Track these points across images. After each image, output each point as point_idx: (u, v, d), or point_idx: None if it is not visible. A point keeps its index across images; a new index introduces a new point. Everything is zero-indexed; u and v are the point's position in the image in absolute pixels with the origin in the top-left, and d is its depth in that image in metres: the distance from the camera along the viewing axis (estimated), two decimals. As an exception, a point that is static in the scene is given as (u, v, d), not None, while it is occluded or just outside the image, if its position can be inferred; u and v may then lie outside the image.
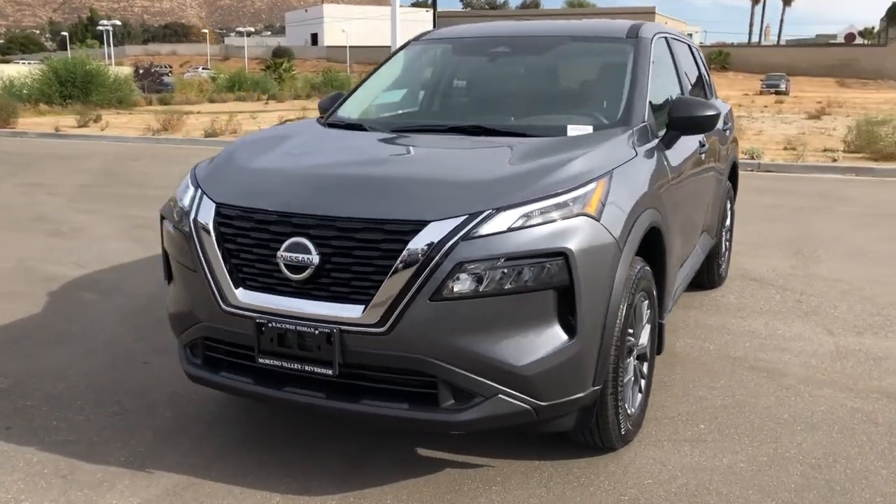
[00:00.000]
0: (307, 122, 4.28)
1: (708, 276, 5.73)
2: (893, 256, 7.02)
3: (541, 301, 2.80)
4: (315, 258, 2.84)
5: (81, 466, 3.26)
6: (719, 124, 4.90)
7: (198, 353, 3.25)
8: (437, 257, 2.72)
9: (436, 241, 2.73)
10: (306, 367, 2.91)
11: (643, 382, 3.55)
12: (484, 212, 2.78)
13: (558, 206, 2.85)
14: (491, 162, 3.21)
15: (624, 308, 3.04)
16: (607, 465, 3.28)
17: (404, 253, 2.74)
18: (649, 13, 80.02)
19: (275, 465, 3.28)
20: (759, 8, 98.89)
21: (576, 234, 2.82)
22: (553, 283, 2.78)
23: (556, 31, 4.65)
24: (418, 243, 2.74)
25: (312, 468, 3.25)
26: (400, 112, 4.35)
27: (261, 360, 2.97)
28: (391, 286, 2.76)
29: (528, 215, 2.79)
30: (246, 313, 2.97)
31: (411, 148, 3.68)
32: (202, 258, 3.07)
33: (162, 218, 3.47)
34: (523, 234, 2.76)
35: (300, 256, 2.85)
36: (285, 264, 2.88)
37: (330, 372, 2.86)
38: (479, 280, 2.73)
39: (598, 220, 2.91)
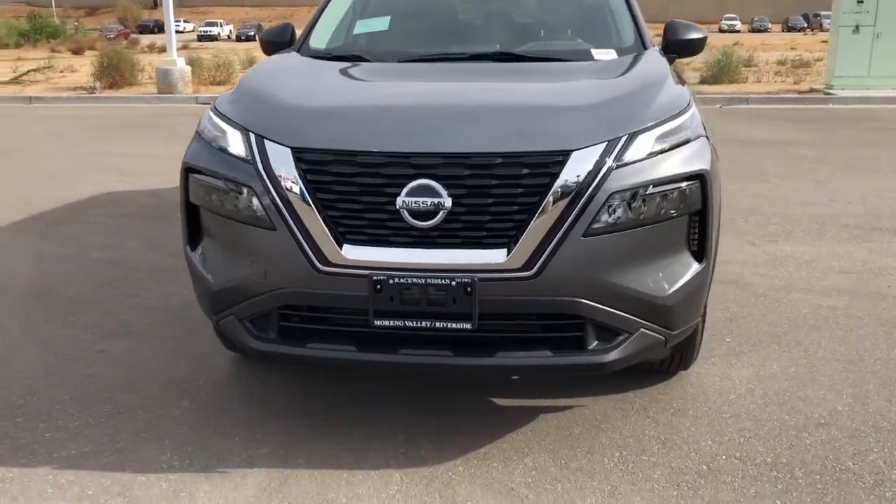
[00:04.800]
0: (290, 56, 3.72)
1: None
2: (730, 173, 7.70)
3: (678, 227, 2.70)
4: (447, 201, 2.50)
5: (134, 480, 2.67)
6: None
7: (268, 326, 2.75)
8: (590, 189, 2.51)
9: (587, 171, 2.52)
10: (437, 324, 2.58)
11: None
12: (621, 137, 2.61)
13: (681, 128, 2.75)
14: (586, 86, 3.02)
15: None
16: (685, 388, 3.30)
17: (555, 187, 2.50)
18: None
19: (362, 438, 2.91)
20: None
21: (703, 156, 2.75)
22: (690, 207, 2.69)
23: None
24: (569, 175, 2.51)
25: (410, 435, 2.93)
26: (395, 41, 3.93)
27: (377, 323, 2.59)
28: (540, 225, 2.51)
29: (661, 139, 2.67)
30: (356, 272, 2.57)
31: (481, 77, 3.34)
32: (285, 214, 2.59)
33: (190, 170, 2.87)
34: (665, 159, 2.64)
35: (428, 201, 2.50)
36: (409, 211, 2.51)
37: (468, 326, 2.56)
38: (628, 210, 2.57)
39: (708, 139, 2.86)
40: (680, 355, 3.22)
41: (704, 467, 2.74)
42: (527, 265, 2.53)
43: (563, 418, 3.06)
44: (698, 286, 2.78)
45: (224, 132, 2.82)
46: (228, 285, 2.80)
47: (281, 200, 2.60)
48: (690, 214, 2.72)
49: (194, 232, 2.96)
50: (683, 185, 2.65)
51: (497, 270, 2.54)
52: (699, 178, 2.69)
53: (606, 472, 2.71)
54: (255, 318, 2.77)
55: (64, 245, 5.46)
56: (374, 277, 2.54)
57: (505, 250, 2.53)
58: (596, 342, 2.66)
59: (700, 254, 2.78)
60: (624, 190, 2.55)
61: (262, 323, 2.77)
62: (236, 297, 2.78)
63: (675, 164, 2.65)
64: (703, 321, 3.19)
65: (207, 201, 2.83)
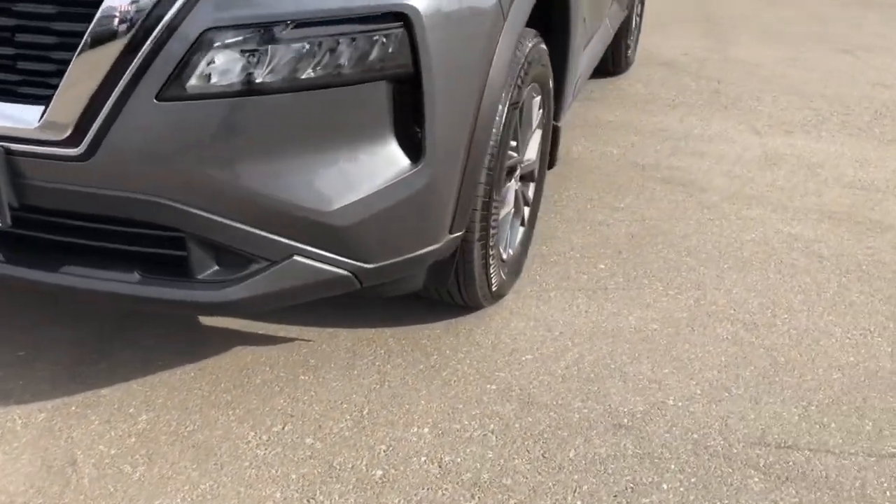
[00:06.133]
0: None
1: (613, 60, 4.62)
2: (808, 38, 6.06)
3: (362, 101, 1.63)
4: (-64, 17, 1.53)
5: None
6: None
7: None
8: (165, 19, 1.47)
9: (159, -13, 1.47)
10: (-48, 214, 1.69)
11: (527, 212, 2.54)
12: None
13: None
14: None
15: (506, 109, 1.94)
16: (471, 334, 2.30)
17: (103, 8, 1.48)
18: None
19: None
20: None
21: (422, -18, 1.61)
22: (386, 69, 1.60)
23: None
24: (127, -9, 1.47)
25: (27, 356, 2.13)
26: None
27: None
28: (84, 73, 1.51)
29: (332, -58, 1.55)
30: None
31: None
32: None
33: None
34: (323, -21, 1.54)
35: None
36: None
37: (-4, 222, 1.66)
38: (248, 63, 1.52)
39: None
40: (448, 289, 2.19)
41: (379, 473, 1.79)
42: (73, 137, 1.56)
43: (251, 360, 2.15)
44: (408, 198, 1.73)
45: None
46: None
47: None
48: (391, 81, 1.63)
49: None
50: (366, 28, 1.56)
51: (28, 141, 1.59)
52: (401, 19, 1.58)
53: (221, 464, 1.82)
54: None
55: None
56: None
57: (41, 108, 1.57)
58: (215, 268, 1.71)
59: (416, 148, 1.71)
60: (233, 27, 1.49)
61: None
62: None
63: (350, -10, 1.55)
64: (486, 245, 2.13)
65: None
